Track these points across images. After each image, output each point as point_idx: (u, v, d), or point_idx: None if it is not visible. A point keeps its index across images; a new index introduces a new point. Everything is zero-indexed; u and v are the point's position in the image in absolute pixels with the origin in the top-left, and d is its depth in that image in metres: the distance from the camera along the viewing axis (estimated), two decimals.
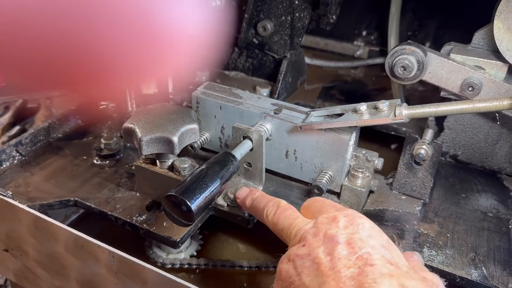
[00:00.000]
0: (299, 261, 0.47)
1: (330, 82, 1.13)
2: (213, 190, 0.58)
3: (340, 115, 0.68)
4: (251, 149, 0.69)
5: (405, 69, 0.70)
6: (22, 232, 0.70)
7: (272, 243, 0.84)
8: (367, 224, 0.48)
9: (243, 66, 1.04)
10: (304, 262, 0.46)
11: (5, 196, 0.69)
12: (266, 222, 0.57)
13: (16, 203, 0.68)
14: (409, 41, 0.72)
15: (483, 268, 0.63)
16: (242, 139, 0.69)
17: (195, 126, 0.68)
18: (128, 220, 0.69)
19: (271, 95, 0.98)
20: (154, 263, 0.77)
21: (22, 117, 1.36)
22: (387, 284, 0.40)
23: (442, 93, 0.75)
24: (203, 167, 0.60)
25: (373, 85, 1.13)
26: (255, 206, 0.60)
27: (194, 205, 0.55)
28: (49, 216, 0.67)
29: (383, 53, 1.21)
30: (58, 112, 1.35)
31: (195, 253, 0.80)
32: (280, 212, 0.55)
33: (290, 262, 0.48)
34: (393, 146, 0.98)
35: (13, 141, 0.81)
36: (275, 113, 0.72)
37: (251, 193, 0.63)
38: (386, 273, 0.42)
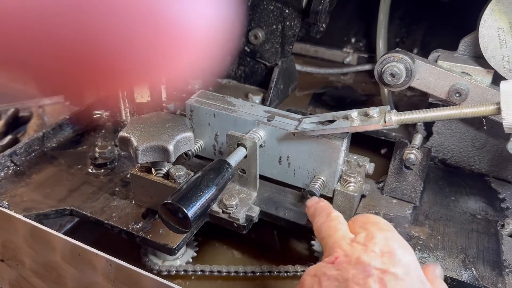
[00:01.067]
0: (325, 281, 0.45)
1: (321, 88, 1.14)
2: (209, 197, 0.59)
3: (331, 121, 0.69)
4: (245, 156, 0.70)
5: (394, 76, 0.72)
6: (18, 242, 0.71)
7: (266, 248, 0.85)
8: (404, 256, 0.46)
9: (235, 74, 1.05)
10: (330, 285, 0.45)
11: (1, 206, 0.69)
12: (314, 229, 0.57)
13: (12, 213, 0.68)
14: (397, 48, 0.74)
15: (473, 269, 0.64)
16: (236, 146, 0.70)
17: (190, 134, 0.69)
18: (124, 228, 0.70)
19: (263, 102, 0.99)
20: (150, 271, 0.77)
21: (14, 126, 1.36)
22: None
23: (430, 99, 0.77)
24: (199, 174, 0.61)
25: (363, 91, 1.15)
26: (313, 213, 0.60)
27: (191, 212, 0.56)
28: (44, 226, 0.67)
29: (372, 59, 1.23)
30: (50, 120, 1.36)
31: (190, 260, 0.81)
32: (327, 221, 0.55)
33: (316, 278, 0.46)
34: (383, 151, 0.99)
35: (8, 151, 0.81)
36: (268, 120, 0.73)
37: (317, 202, 0.62)
38: None
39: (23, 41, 0.24)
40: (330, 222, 0.55)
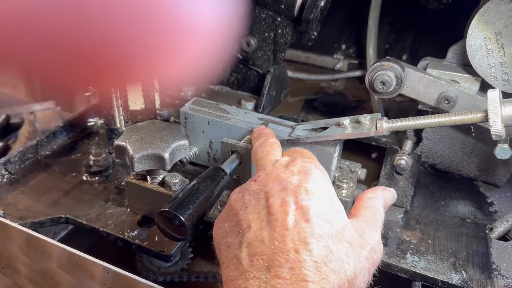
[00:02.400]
0: (247, 196, 0.50)
1: (312, 94, 1.16)
2: (205, 205, 0.60)
3: (324, 128, 0.71)
4: (240, 163, 0.71)
5: (384, 84, 0.74)
6: (14, 251, 0.71)
7: None
8: (317, 175, 0.51)
9: (228, 81, 1.06)
10: (251, 198, 0.50)
11: None
12: (252, 152, 0.63)
13: (7, 221, 0.69)
14: (388, 57, 0.75)
15: (463, 272, 0.66)
16: (230, 153, 0.71)
17: (185, 142, 0.70)
18: (120, 236, 0.70)
19: (255, 108, 1.00)
20: (145, 277, 0.78)
21: (5, 133, 1.36)
22: (314, 244, 0.44)
23: (420, 106, 0.78)
24: (195, 182, 0.62)
25: (353, 97, 1.16)
26: (255, 137, 0.66)
27: (188, 220, 0.57)
28: (39, 234, 0.68)
29: (362, 65, 1.25)
30: (41, 127, 1.35)
31: (185, 266, 0.82)
32: (263, 146, 0.61)
33: (240, 194, 0.51)
34: (373, 156, 1.01)
35: (2, 160, 0.82)
36: None
37: (263, 128, 0.69)
38: (316, 234, 0.45)
39: (17, 38, 0.24)
40: (264, 147, 0.60)
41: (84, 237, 0.89)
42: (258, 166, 0.57)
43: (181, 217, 0.56)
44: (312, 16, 0.87)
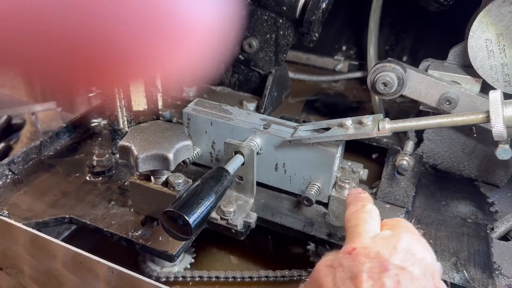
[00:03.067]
0: (339, 272, 0.45)
1: (313, 95, 1.17)
2: (209, 205, 0.61)
3: (326, 129, 0.71)
4: (243, 164, 0.72)
5: (386, 86, 0.74)
6: (18, 251, 0.71)
7: (263, 254, 0.87)
8: (426, 260, 0.45)
9: (230, 81, 1.07)
10: (344, 277, 0.44)
11: (1, 215, 0.70)
12: (345, 217, 0.56)
13: (12, 221, 0.69)
14: (389, 58, 0.76)
15: (464, 271, 0.67)
16: (234, 154, 0.72)
17: (189, 142, 0.70)
18: (124, 236, 0.71)
19: (257, 109, 1.01)
20: (148, 277, 0.78)
21: (6, 134, 1.36)
22: None
23: (421, 107, 0.79)
24: (199, 182, 0.63)
25: (354, 98, 1.17)
26: (350, 201, 0.58)
27: (192, 219, 0.58)
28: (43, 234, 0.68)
29: (362, 67, 1.25)
30: (42, 127, 1.36)
31: (188, 266, 0.82)
32: (359, 212, 0.54)
33: (331, 269, 0.45)
34: (374, 156, 1.02)
35: (6, 160, 0.82)
36: (264, 128, 0.75)
37: (359, 192, 0.60)
38: None
39: (18, 38, 0.24)
40: (361, 214, 0.53)
41: (87, 237, 0.89)
42: (353, 234, 0.50)
43: (185, 217, 0.57)
44: (314, 18, 0.88)
